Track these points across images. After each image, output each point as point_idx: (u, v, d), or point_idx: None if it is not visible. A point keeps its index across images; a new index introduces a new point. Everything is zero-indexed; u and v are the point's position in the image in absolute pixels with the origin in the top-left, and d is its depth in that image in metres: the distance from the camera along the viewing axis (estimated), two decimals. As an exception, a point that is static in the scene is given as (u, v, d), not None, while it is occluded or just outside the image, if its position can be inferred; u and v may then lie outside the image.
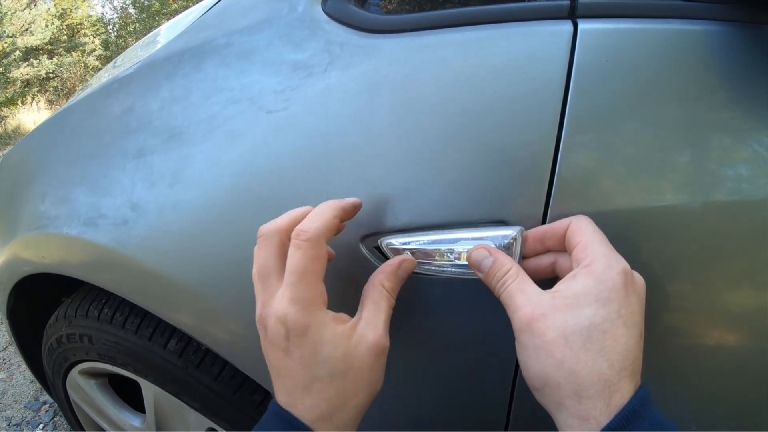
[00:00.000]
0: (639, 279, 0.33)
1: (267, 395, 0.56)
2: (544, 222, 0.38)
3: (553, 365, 0.30)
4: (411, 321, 0.42)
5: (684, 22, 0.38)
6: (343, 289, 0.41)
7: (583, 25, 0.38)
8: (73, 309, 0.66)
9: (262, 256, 0.35)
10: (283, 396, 0.33)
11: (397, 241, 0.39)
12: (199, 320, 0.48)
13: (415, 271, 0.39)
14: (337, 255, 0.40)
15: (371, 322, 0.35)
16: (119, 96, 0.55)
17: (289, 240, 0.34)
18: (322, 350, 0.32)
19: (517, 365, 0.41)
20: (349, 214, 0.37)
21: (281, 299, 0.33)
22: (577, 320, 0.29)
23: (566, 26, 0.38)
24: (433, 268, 0.39)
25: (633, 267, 0.33)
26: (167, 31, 0.66)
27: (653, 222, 0.37)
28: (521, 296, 0.32)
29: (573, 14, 0.38)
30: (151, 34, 0.79)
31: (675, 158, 0.37)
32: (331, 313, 0.34)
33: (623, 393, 0.29)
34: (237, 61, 0.47)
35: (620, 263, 0.32)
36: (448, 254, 0.38)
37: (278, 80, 0.43)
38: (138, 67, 0.56)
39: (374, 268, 0.38)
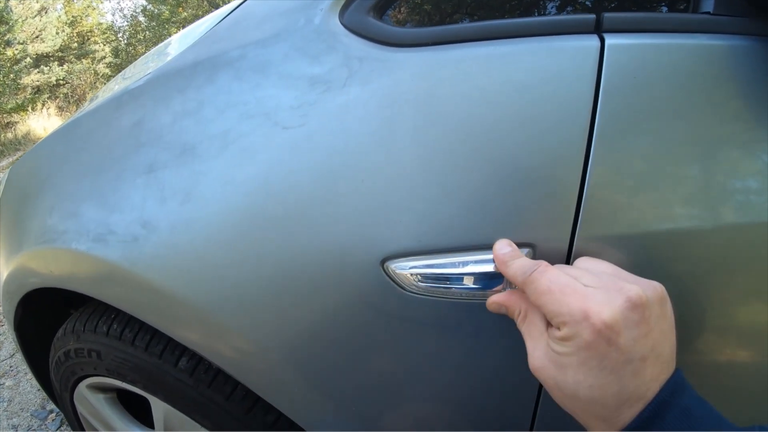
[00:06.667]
0: (637, 302, 0.30)
1: (280, 416, 0.54)
2: (571, 246, 0.36)
3: (560, 403, 0.33)
4: (437, 342, 0.41)
5: (710, 36, 0.37)
6: (363, 313, 0.40)
7: (610, 40, 0.37)
8: (81, 323, 0.65)
9: None
10: None
11: (406, 264, 0.38)
12: (210, 340, 0.47)
13: (429, 295, 0.38)
14: (355, 277, 0.39)
15: None
16: (129, 108, 0.54)
17: None
18: None
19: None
20: None
21: None
22: (564, 378, 0.32)
23: (593, 41, 0.37)
24: (443, 289, 0.38)
25: (669, 286, 0.31)
26: (179, 42, 0.66)
27: (687, 243, 0.36)
28: (529, 341, 0.35)
29: (599, 29, 0.38)
30: (162, 44, 0.79)
31: (712, 177, 0.36)
32: None
33: (629, 415, 0.30)
34: (251, 74, 0.45)
35: (587, 322, 0.30)
36: (457, 278, 0.38)
37: (295, 95, 0.42)
38: (149, 79, 0.55)
39: (394, 291, 0.37)
